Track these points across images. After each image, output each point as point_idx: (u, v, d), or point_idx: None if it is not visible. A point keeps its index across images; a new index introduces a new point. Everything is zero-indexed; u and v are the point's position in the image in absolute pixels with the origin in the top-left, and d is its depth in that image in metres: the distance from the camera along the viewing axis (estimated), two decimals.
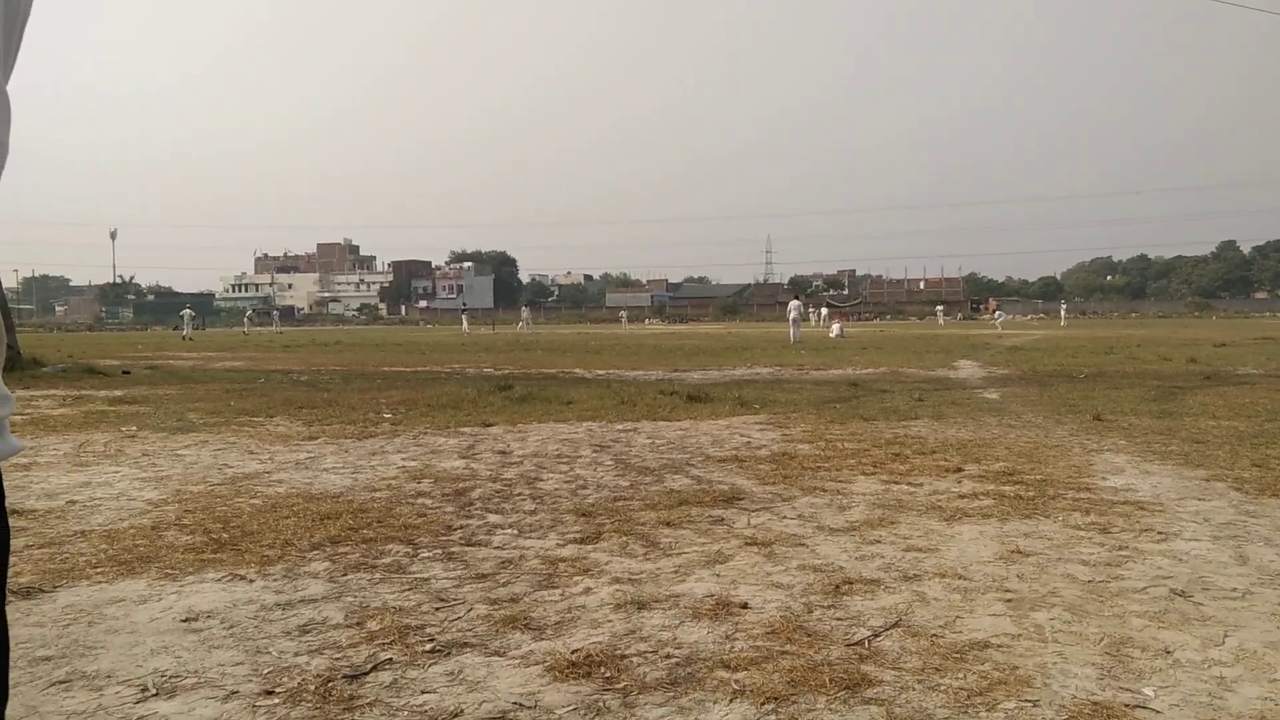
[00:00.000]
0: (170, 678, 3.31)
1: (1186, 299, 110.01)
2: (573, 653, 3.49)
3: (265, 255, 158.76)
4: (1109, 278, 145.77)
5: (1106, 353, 24.14)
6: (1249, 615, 3.89)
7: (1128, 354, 23.30)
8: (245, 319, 66.26)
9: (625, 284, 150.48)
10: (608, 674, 3.31)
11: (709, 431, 9.60)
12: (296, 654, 3.53)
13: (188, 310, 52.47)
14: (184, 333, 47.61)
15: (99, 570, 4.62)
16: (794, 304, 35.28)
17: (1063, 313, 69.24)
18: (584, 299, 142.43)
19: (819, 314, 62.41)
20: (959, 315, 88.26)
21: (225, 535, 5.28)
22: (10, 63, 0.89)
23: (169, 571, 4.60)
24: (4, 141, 0.85)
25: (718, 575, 4.51)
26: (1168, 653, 3.49)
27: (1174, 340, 31.10)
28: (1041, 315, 75.18)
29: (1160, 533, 5.25)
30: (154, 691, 3.19)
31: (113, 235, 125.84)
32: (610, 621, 3.86)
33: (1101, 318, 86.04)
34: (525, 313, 66.77)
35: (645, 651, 3.52)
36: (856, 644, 3.57)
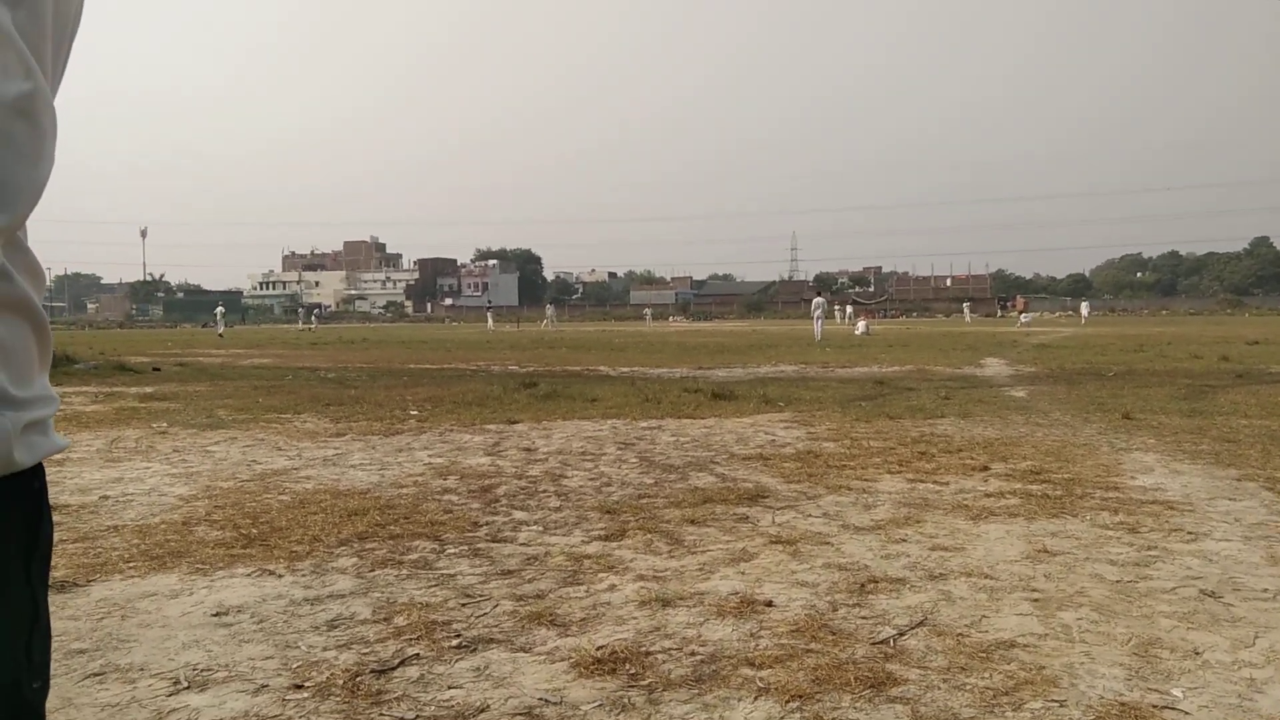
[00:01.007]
0: (201, 671, 3.36)
1: (1218, 296, 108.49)
2: (598, 649, 3.51)
3: (293, 253, 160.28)
4: (1139, 275, 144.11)
5: (1136, 350, 23.87)
6: None
7: (1157, 352, 23.04)
8: (311, 316, 69.90)
9: (649, 281, 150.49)
10: (633, 671, 3.32)
11: (733, 429, 9.59)
12: (325, 649, 3.57)
13: (220, 308, 53.31)
14: (218, 330, 48.13)
15: (131, 565, 4.69)
16: (817, 301, 35.24)
17: (1085, 310, 65.33)
18: (608, 296, 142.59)
19: (845, 311, 61.97)
20: (985, 313, 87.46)
21: (254, 531, 5.35)
22: (59, 76, 0.90)
23: (200, 566, 4.66)
24: (51, 153, 0.86)
25: (742, 573, 4.51)
26: (1197, 654, 3.45)
27: (1205, 338, 30.70)
28: (1070, 312, 73.55)
29: (1190, 533, 5.20)
30: (185, 684, 3.24)
31: (143, 234, 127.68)
32: (635, 618, 3.87)
33: (1131, 315, 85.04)
34: (550, 310, 66.97)
35: (670, 649, 3.53)
36: (881, 643, 3.56)
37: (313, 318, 79.78)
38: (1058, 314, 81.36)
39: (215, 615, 3.95)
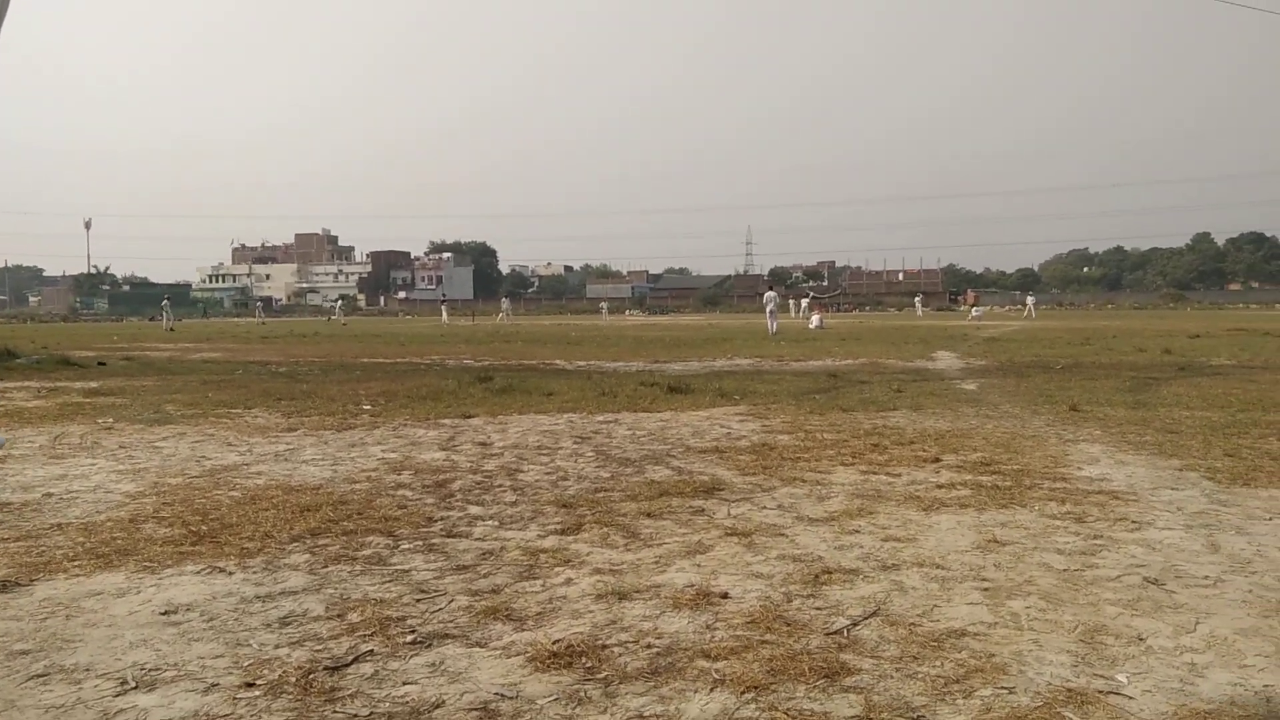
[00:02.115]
0: (150, 671, 3.30)
1: (1162, 290, 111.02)
2: (554, 643, 3.51)
3: (243, 246, 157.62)
4: (1085, 269, 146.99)
5: (1083, 344, 24.35)
6: (1220, 603, 3.95)
7: (1104, 345, 23.51)
8: (335, 307, 70.63)
9: (606, 275, 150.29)
10: (589, 664, 3.32)
11: (689, 423, 9.62)
12: (277, 646, 3.52)
13: (166, 301, 52.43)
14: (166, 324, 47.13)
15: (76, 563, 4.59)
16: (769, 295, 34.98)
17: (1030, 304, 63.86)
18: (564, 290, 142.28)
19: (799, 305, 62.26)
20: (936, 307, 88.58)
21: (204, 528, 5.26)
22: None
23: (147, 564, 4.57)
24: None
25: (698, 565, 4.53)
26: (1141, 640, 3.54)
27: (1149, 331, 31.40)
28: (1018, 306, 74.35)
29: (1134, 522, 5.32)
30: (133, 684, 3.18)
31: (87, 225, 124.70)
32: (591, 612, 3.88)
33: (1078, 309, 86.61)
34: (505, 304, 66.59)
35: (626, 641, 3.54)
36: (835, 633, 3.60)
37: (258, 307, 78.94)
38: (1007, 308, 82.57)
39: (164, 614, 3.88)
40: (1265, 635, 3.57)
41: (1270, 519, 5.37)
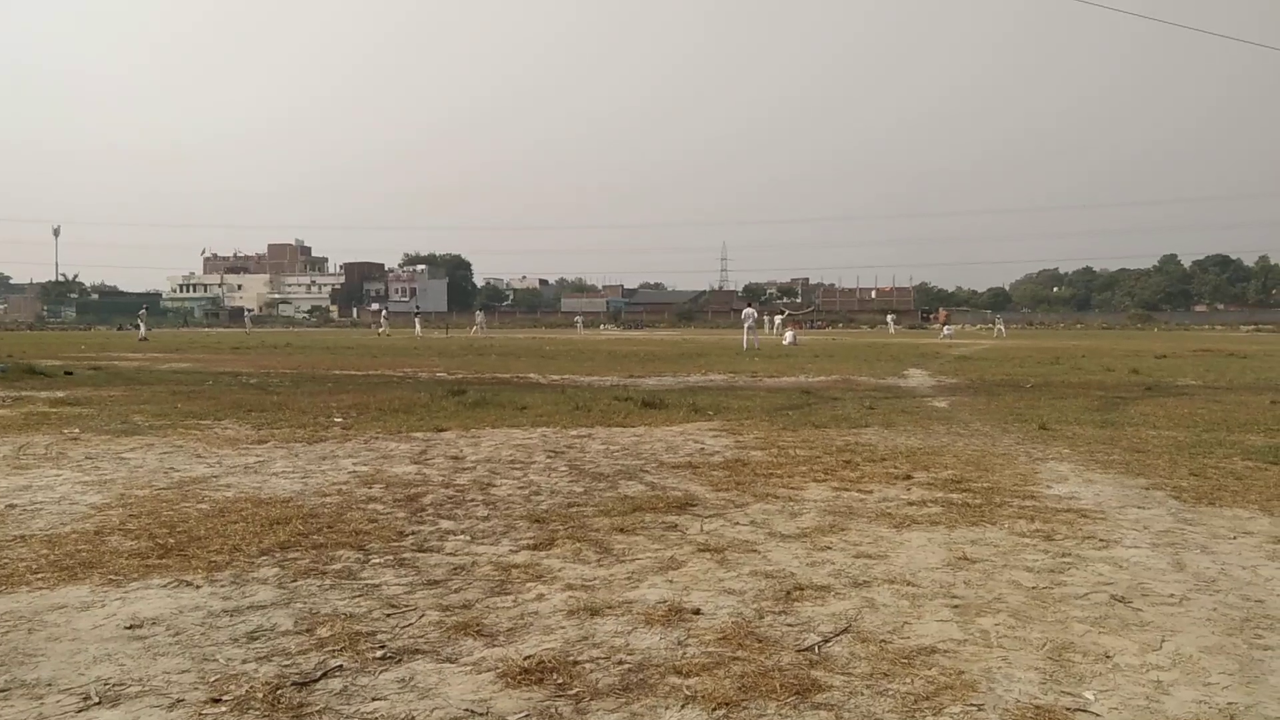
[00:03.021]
0: (113, 686, 3.25)
1: (1130, 311, 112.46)
2: (525, 659, 3.49)
3: (214, 255, 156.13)
4: (1055, 289, 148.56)
5: (1052, 363, 24.61)
6: (1185, 621, 4.00)
7: (1073, 364, 23.78)
8: (383, 318, 66.52)
9: (581, 289, 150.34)
10: (560, 680, 3.31)
11: (663, 438, 9.63)
12: (244, 661, 3.48)
13: (143, 310, 52.09)
14: (140, 333, 46.45)
15: (39, 576, 4.52)
16: (748, 311, 36.04)
17: (999, 325, 64.16)
18: (539, 304, 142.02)
19: (773, 322, 62.60)
20: (908, 325, 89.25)
21: (171, 540, 5.20)
22: None
23: (112, 577, 4.51)
24: None
25: (670, 581, 4.53)
26: (1108, 657, 3.58)
27: (1117, 351, 31.79)
28: (989, 325, 74.96)
29: (1102, 540, 5.38)
30: (96, 700, 3.13)
31: (56, 232, 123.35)
32: (563, 628, 3.87)
33: (1048, 328, 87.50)
34: (480, 317, 66.35)
35: (598, 658, 3.53)
36: (807, 650, 3.61)
37: (246, 318, 78.30)
38: (979, 326, 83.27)
39: (129, 628, 3.83)
40: (1229, 653, 3.61)
41: (1234, 538, 5.45)
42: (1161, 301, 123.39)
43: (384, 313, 66.02)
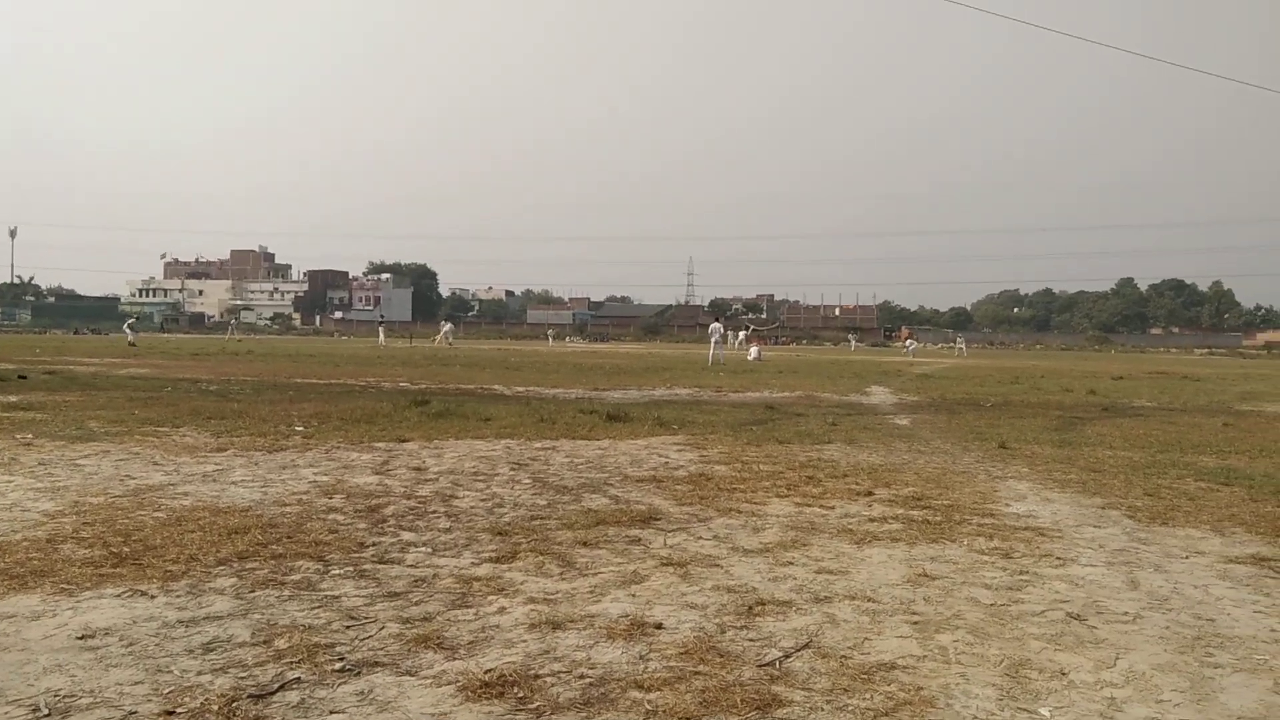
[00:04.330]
0: (64, 698, 3.19)
1: (1088, 333, 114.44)
2: (486, 672, 3.47)
3: (175, 260, 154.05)
4: (1016, 310, 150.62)
5: (1012, 383, 24.95)
6: (1139, 638, 4.07)
7: (1032, 384, 24.12)
8: (381, 330, 64.08)
9: (547, 301, 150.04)
10: (521, 694, 3.30)
11: (628, 451, 9.63)
12: (200, 673, 3.43)
13: (131, 319, 51.30)
14: (129, 339, 45.49)
15: None
16: (715, 326, 36.44)
17: (960, 344, 64.68)
18: (505, 315, 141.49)
19: (738, 337, 63.12)
20: (871, 343, 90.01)
21: (126, 549, 5.11)
22: None
23: (65, 586, 4.43)
24: None
25: (633, 595, 4.53)
26: (1063, 674, 3.63)
27: (1075, 372, 32.30)
28: (950, 344, 75.96)
29: (1059, 558, 5.45)
30: (46, 712, 3.07)
31: (12, 233, 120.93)
32: (524, 641, 3.85)
33: (1009, 348, 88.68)
34: (447, 326, 65.91)
35: (559, 671, 3.52)
36: (768, 665, 3.63)
37: (232, 328, 77.41)
38: (941, 345, 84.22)
39: (81, 638, 3.76)
40: (1181, 671, 3.68)
41: (1187, 557, 5.55)
42: (1119, 324, 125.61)
43: (381, 325, 64.94)
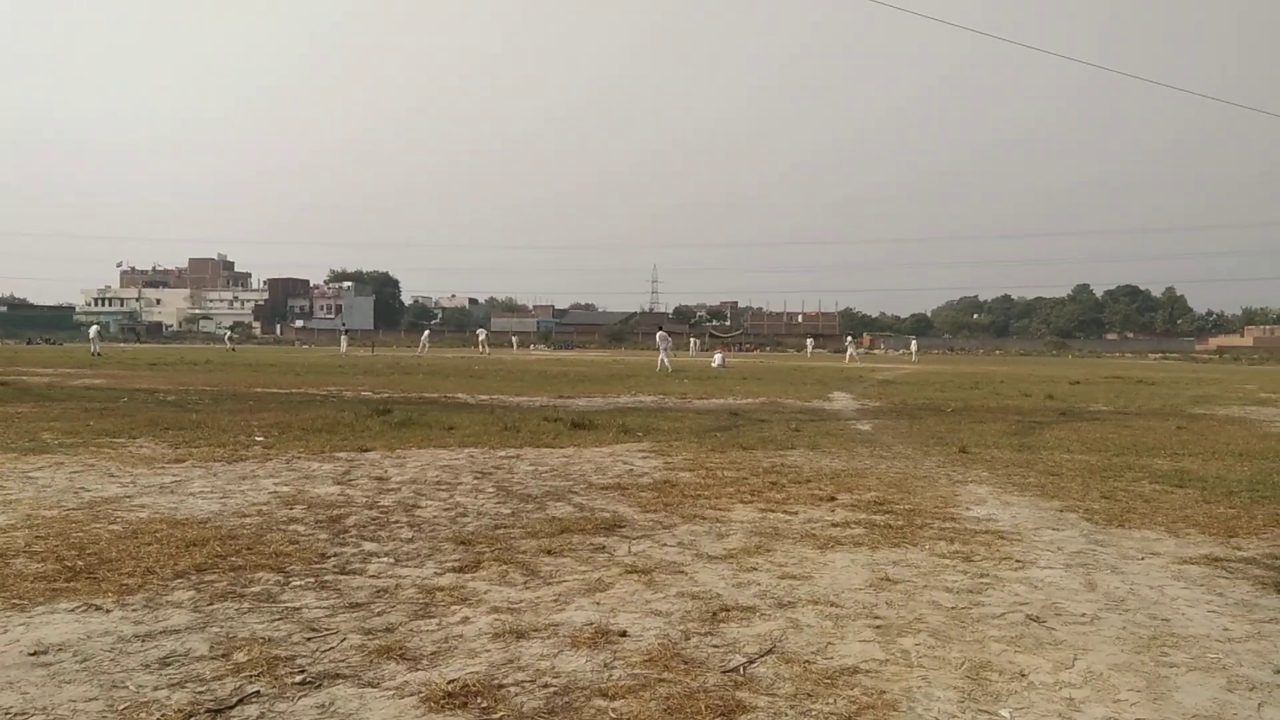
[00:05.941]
0: (16, 715, 3.12)
1: (1046, 338, 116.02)
2: (449, 683, 3.45)
3: (132, 268, 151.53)
4: (975, 316, 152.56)
5: (972, 388, 25.24)
6: (1096, 639, 4.13)
7: (991, 389, 24.42)
8: (343, 337, 62.26)
9: (511, 309, 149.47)
10: (484, 704, 3.28)
11: (592, 459, 9.62)
12: (156, 688, 3.37)
13: (95, 327, 50.04)
14: (93, 349, 44.57)
15: None
16: (661, 334, 39.14)
17: (913, 348, 67.87)
18: (469, 323, 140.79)
19: (698, 344, 63.89)
20: (833, 349, 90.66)
21: (80, 563, 5.01)
22: None
23: (16, 601, 4.33)
24: None
25: (598, 603, 4.52)
26: (1023, 676, 3.67)
27: (1033, 377, 32.74)
28: (904, 351, 76.97)
29: (1018, 561, 5.52)
30: None
31: None
32: (488, 651, 3.83)
33: (968, 354, 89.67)
34: (425, 335, 65.30)
35: (523, 681, 3.50)
36: (732, 671, 3.64)
37: (227, 337, 76.40)
38: (900, 351, 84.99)
39: (33, 654, 3.68)
40: (1138, 671, 3.74)
41: (1142, 559, 5.65)
42: (1075, 329, 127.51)
43: (344, 333, 63.95)
